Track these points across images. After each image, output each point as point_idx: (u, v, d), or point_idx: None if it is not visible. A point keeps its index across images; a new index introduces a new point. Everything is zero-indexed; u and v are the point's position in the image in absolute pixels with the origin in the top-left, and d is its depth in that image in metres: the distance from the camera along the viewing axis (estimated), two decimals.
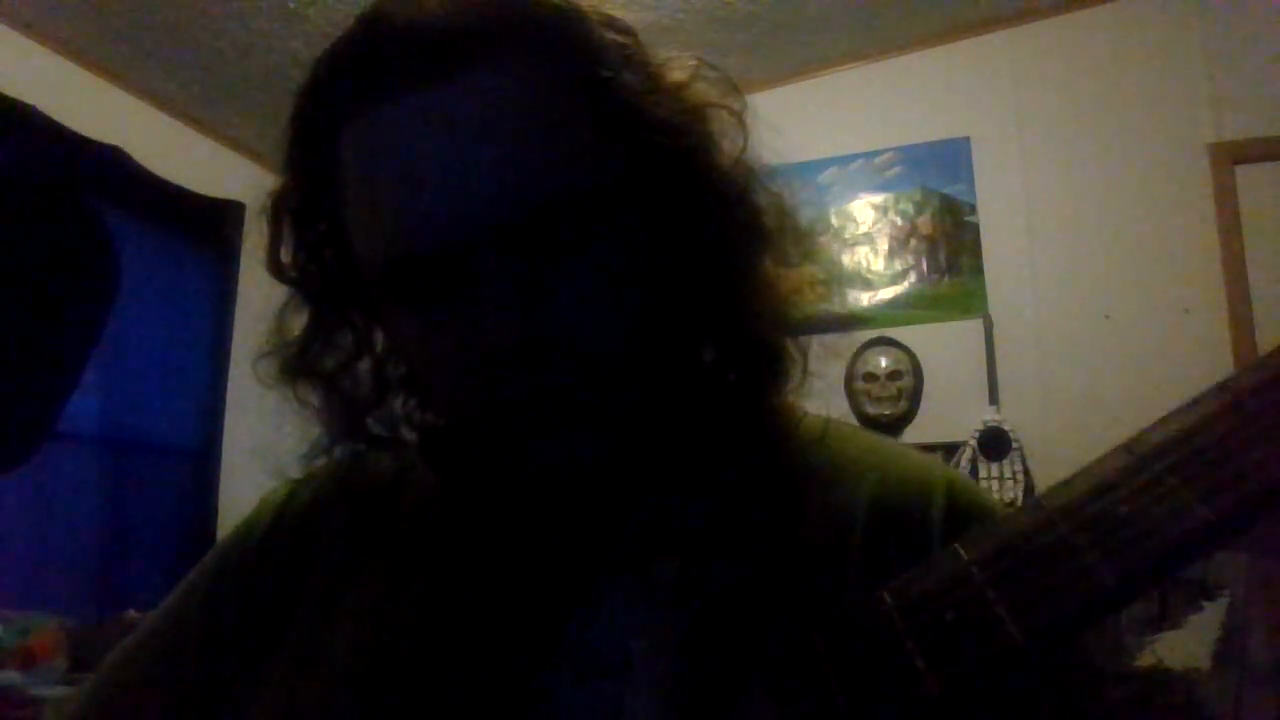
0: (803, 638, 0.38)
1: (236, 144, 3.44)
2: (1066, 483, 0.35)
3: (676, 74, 0.55)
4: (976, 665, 0.32)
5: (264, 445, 0.63)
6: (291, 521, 0.63)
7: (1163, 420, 0.33)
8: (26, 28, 2.73)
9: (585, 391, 0.48)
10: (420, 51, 0.47)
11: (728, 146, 0.55)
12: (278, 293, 0.59)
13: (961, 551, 0.35)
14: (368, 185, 0.49)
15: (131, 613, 2.50)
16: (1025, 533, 0.34)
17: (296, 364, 0.58)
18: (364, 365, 0.59)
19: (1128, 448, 0.33)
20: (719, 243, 0.54)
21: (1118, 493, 0.32)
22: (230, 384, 3.26)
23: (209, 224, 3.22)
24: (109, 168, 2.84)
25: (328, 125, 0.51)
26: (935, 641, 0.34)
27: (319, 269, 0.57)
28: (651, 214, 0.52)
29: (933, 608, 0.34)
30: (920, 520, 0.51)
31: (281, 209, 0.56)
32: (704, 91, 0.55)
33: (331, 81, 0.51)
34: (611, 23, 0.53)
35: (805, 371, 0.56)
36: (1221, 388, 0.33)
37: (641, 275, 0.51)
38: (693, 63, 0.56)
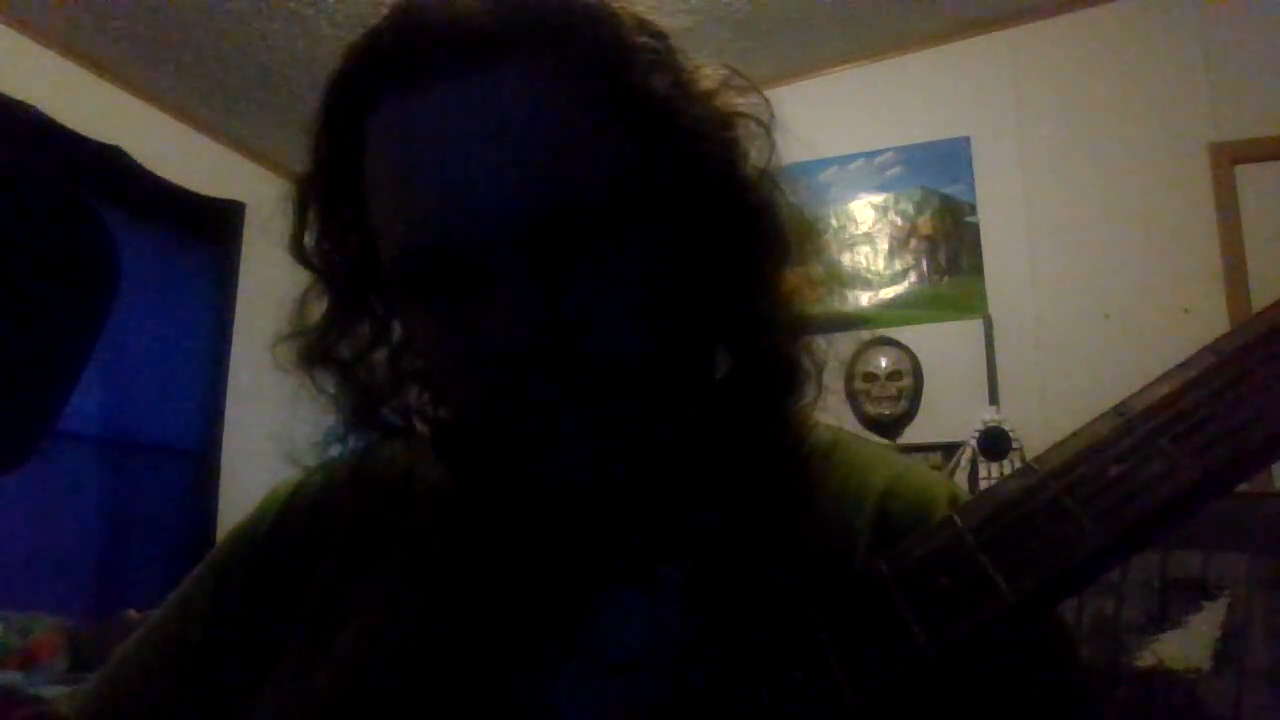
0: (802, 614, 0.38)
1: (236, 144, 3.45)
2: (1057, 447, 0.35)
3: (706, 81, 0.55)
4: (970, 628, 0.33)
5: (272, 437, 0.63)
6: (301, 512, 0.63)
7: (1152, 383, 0.33)
8: (26, 28, 2.74)
9: (598, 398, 0.48)
10: (449, 46, 0.47)
11: (754, 156, 0.55)
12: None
13: (956, 519, 0.35)
14: (389, 175, 0.49)
15: (131, 613, 2.50)
16: (1017, 496, 0.34)
17: (314, 350, 0.58)
18: (381, 355, 0.59)
19: (1117, 410, 0.34)
20: (741, 253, 0.54)
21: (1107, 455, 0.33)
22: (230, 384, 3.26)
23: (209, 224, 3.24)
24: (109, 168, 2.85)
25: (355, 113, 0.51)
26: (931, 608, 0.34)
27: (342, 256, 0.57)
28: (674, 221, 0.52)
29: (928, 575, 0.35)
30: None
31: (307, 194, 0.56)
32: (732, 100, 0.55)
33: (361, 70, 0.51)
34: (644, 25, 0.53)
35: (820, 385, 0.56)
36: (1209, 350, 0.33)
37: (662, 282, 0.50)
38: (723, 71, 0.56)
